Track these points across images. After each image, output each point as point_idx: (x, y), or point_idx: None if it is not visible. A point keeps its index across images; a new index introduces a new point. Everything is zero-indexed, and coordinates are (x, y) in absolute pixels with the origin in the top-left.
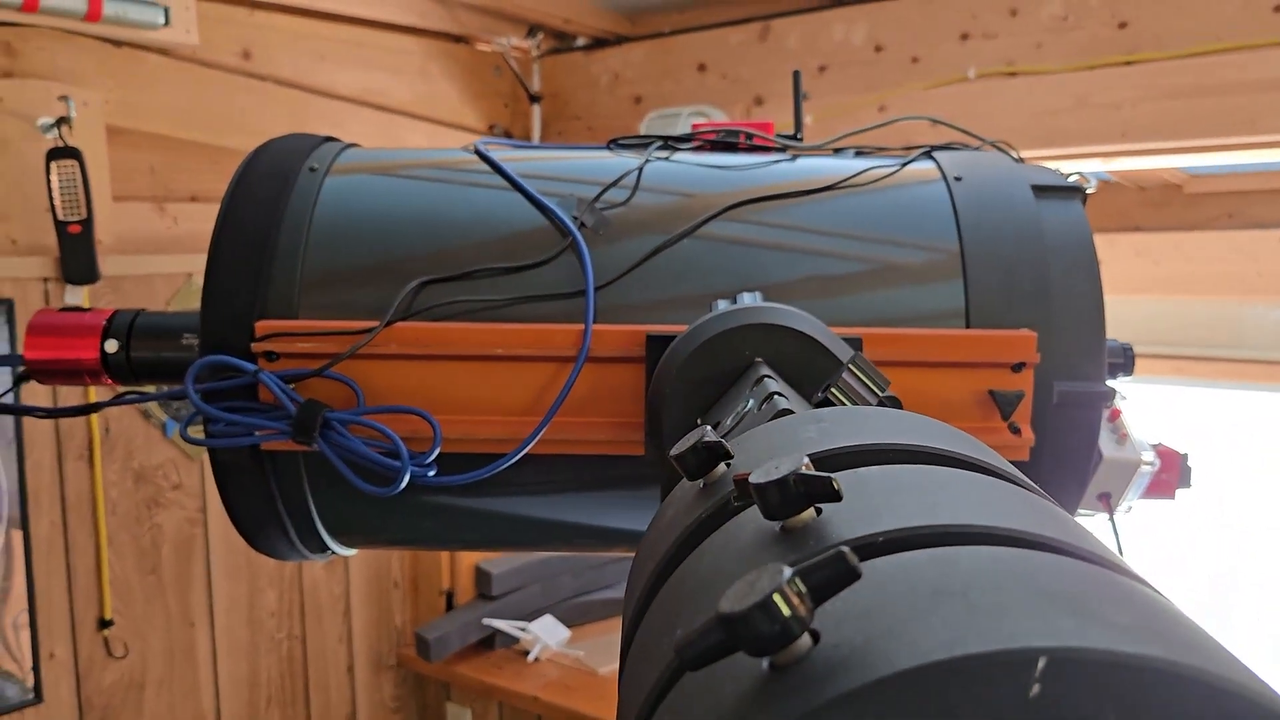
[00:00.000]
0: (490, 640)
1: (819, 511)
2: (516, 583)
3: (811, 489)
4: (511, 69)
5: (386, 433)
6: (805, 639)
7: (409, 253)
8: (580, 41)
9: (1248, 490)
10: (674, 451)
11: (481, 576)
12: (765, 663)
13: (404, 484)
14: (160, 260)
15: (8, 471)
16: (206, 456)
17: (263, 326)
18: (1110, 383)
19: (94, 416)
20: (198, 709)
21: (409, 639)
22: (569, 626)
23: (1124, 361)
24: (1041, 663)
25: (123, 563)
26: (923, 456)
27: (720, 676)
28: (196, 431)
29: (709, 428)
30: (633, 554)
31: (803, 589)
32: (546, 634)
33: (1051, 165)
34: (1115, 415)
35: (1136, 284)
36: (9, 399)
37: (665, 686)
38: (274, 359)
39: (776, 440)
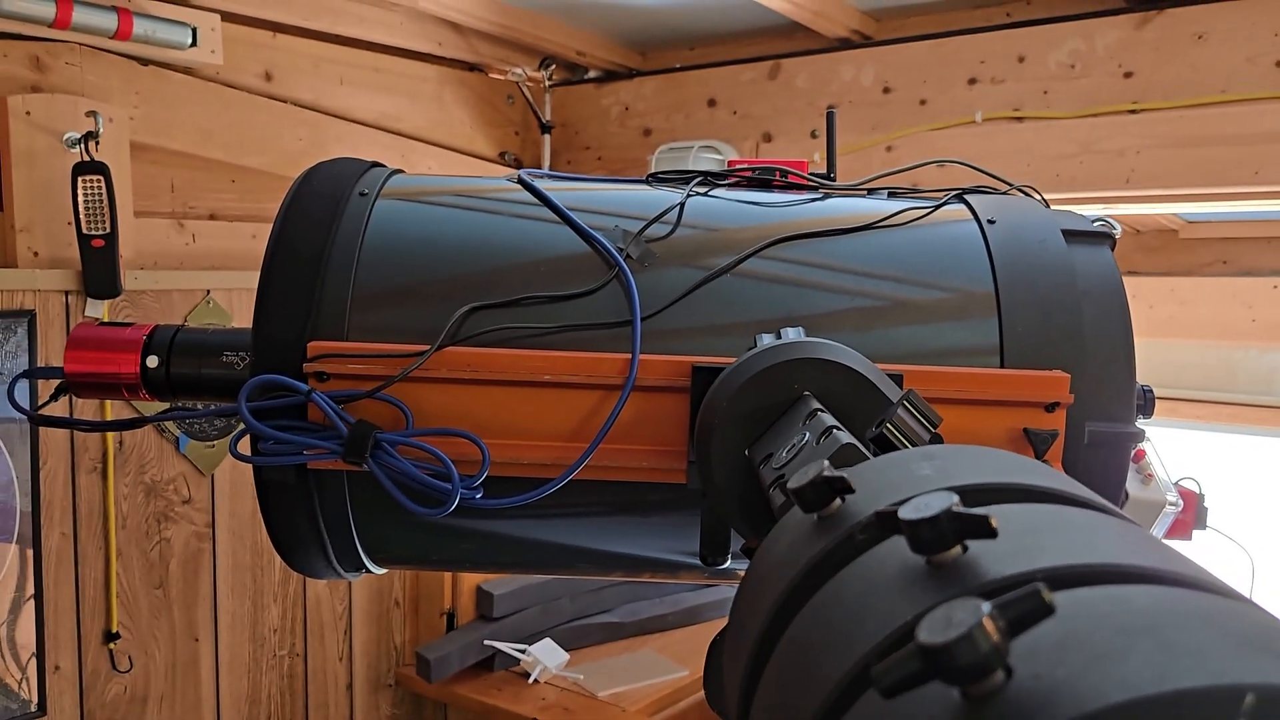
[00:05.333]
0: (490, 661)
1: (964, 549)
2: (517, 605)
3: (965, 526)
4: (524, 98)
5: (438, 455)
6: (1000, 673)
7: (457, 278)
8: (592, 73)
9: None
10: (792, 485)
11: (483, 597)
12: (956, 693)
13: (453, 506)
14: (179, 276)
15: (21, 483)
16: (217, 473)
17: (315, 347)
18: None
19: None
20: None
21: (408, 658)
22: (567, 650)
23: (1144, 404)
24: (1250, 699)
25: (130, 576)
26: (1045, 495)
27: (910, 704)
28: (244, 449)
29: (826, 461)
30: (666, 580)
31: (1001, 623)
32: (546, 657)
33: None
34: (1140, 456)
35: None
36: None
37: (837, 708)
38: (324, 379)
39: (893, 476)
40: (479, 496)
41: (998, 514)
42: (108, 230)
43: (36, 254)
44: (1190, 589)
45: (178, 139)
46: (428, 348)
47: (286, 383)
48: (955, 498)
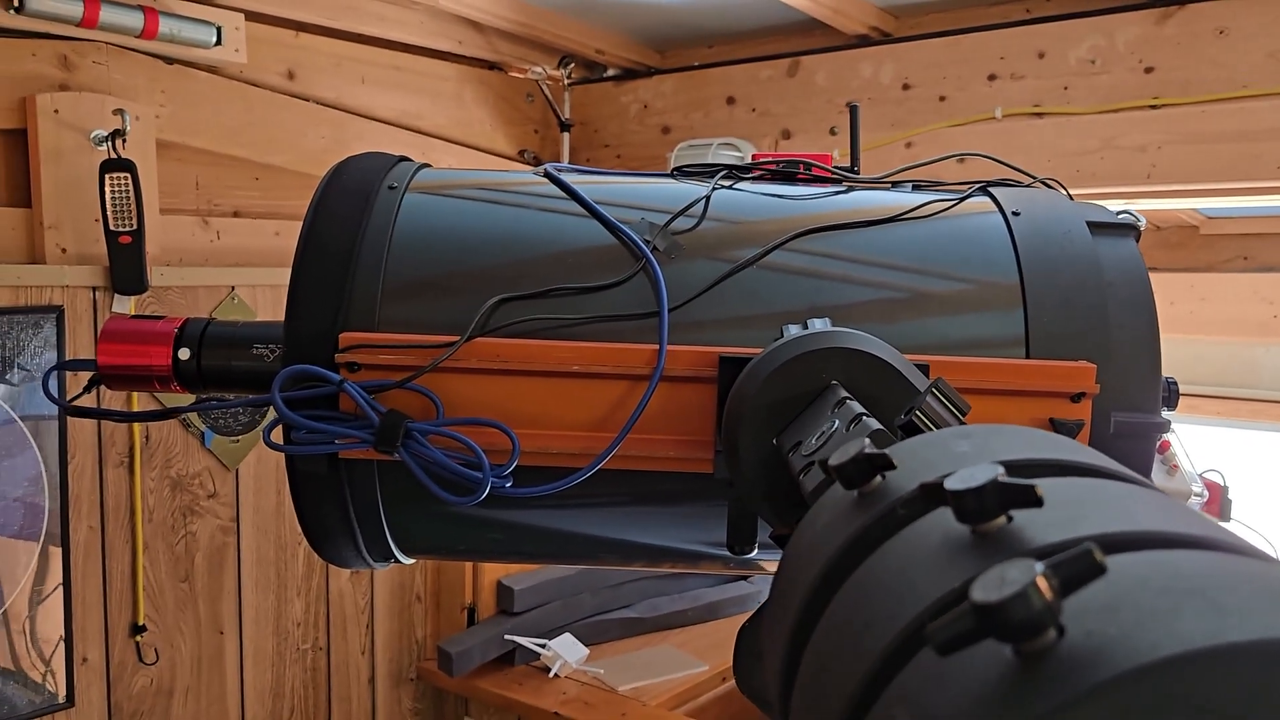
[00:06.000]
0: (511, 656)
1: (1009, 519)
2: (538, 600)
3: (1010, 496)
4: (544, 96)
5: (469, 444)
6: (1054, 632)
7: (485, 270)
8: (611, 72)
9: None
10: (834, 461)
11: (504, 592)
12: (1009, 651)
13: (484, 494)
14: (204, 272)
15: (49, 478)
16: (241, 467)
17: (346, 338)
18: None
19: (135, 425)
20: (224, 717)
21: (430, 652)
22: (587, 645)
23: (1168, 395)
24: None
25: (157, 569)
26: (1084, 470)
27: (963, 663)
28: (276, 439)
29: (867, 439)
30: (687, 571)
31: (1054, 581)
32: (566, 652)
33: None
34: (1165, 447)
35: None
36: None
37: (888, 669)
38: (356, 370)
39: (932, 454)
40: (508, 485)
41: (1044, 486)
42: (134, 227)
43: (65, 250)
44: (1232, 553)
45: (202, 137)
46: (457, 339)
47: (319, 373)
48: (1001, 469)
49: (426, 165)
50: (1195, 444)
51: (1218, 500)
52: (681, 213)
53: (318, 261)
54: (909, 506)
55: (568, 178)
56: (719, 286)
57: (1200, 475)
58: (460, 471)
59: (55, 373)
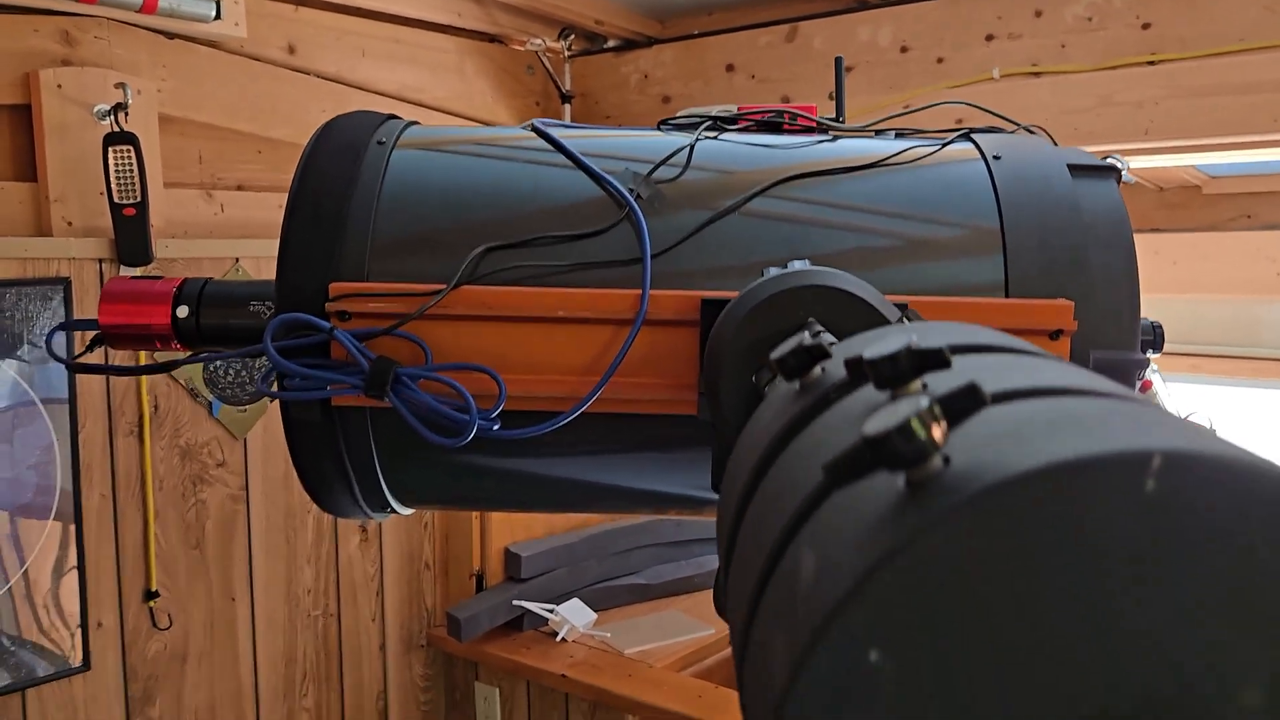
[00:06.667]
0: (519, 622)
1: (924, 386)
2: (545, 566)
3: (923, 360)
4: (544, 68)
5: (457, 387)
6: (939, 461)
7: (472, 222)
8: (611, 42)
9: None
10: (774, 355)
11: (511, 559)
12: (901, 482)
13: (471, 435)
14: (208, 244)
15: (62, 455)
16: (249, 437)
17: (337, 288)
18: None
19: (144, 393)
20: (237, 682)
21: (439, 620)
22: (594, 610)
23: (1153, 339)
24: (1157, 460)
25: (168, 537)
26: (1005, 349)
27: (861, 497)
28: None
29: (807, 333)
30: (690, 517)
31: (938, 413)
32: (574, 616)
33: None
34: (1147, 386)
35: (1154, 283)
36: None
37: (805, 512)
38: (346, 319)
39: (870, 339)
40: (496, 428)
41: (961, 359)
42: (139, 199)
43: (70, 224)
44: (1121, 400)
45: (204, 111)
46: (444, 286)
47: (310, 321)
48: (914, 336)
49: (415, 123)
50: (1199, 405)
51: None
52: (664, 162)
53: (308, 215)
54: (840, 389)
55: (555, 132)
56: (702, 234)
57: (1185, 419)
58: (448, 414)
59: (59, 333)
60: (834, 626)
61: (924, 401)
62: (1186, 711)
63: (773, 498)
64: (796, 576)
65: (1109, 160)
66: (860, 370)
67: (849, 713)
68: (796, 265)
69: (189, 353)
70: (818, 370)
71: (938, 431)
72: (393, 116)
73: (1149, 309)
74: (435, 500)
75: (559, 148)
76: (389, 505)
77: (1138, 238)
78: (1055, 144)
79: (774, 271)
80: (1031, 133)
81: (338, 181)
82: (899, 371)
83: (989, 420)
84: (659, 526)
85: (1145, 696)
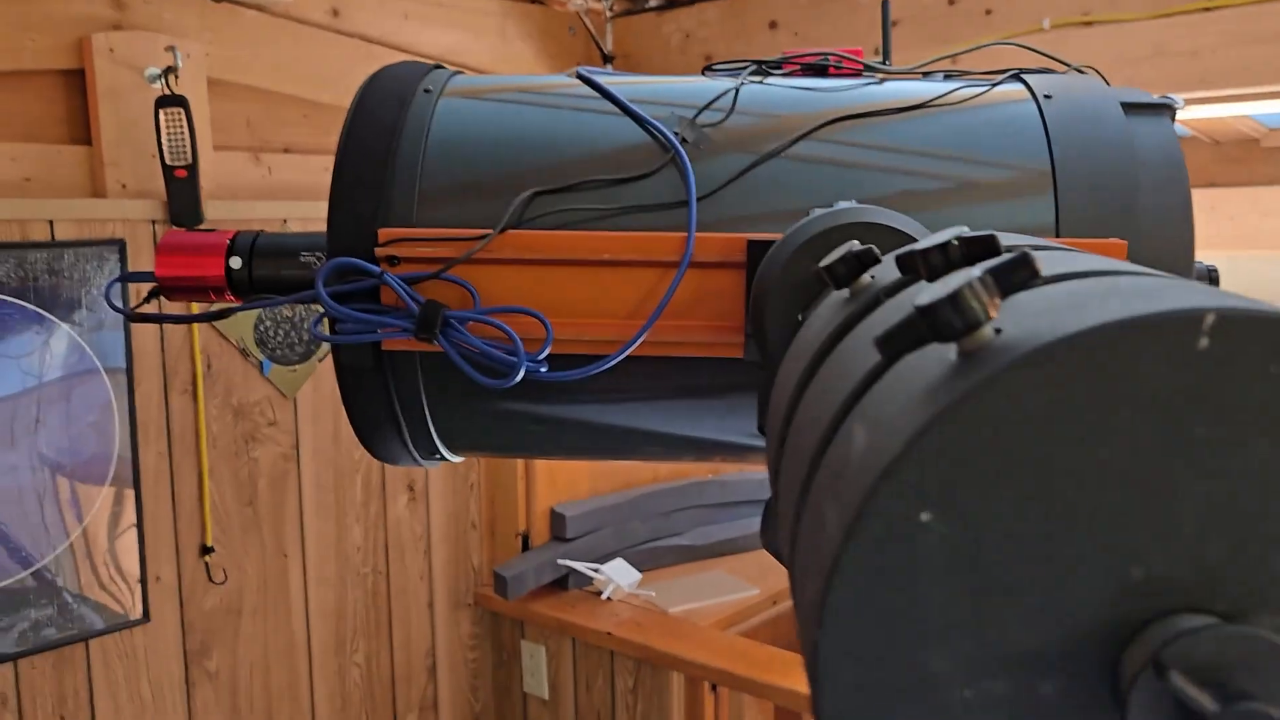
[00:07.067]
0: (564, 581)
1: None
2: (590, 526)
3: (973, 248)
4: (586, 28)
5: (505, 329)
6: (990, 330)
7: (519, 168)
8: (653, 2)
9: None
10: (824, 263)
11: (556, 519)
12: (953, 353)
13: (519, 377)
14: (258, 206)
15: (119, 404)
16: (299, 396)
17: (386, 233)
18: None
19: (197, 353)
20: (290, 636)
21: (486, 579)
22: (639, 571)
23: (1209, 283)
24: (1210, 319)
25: (222, 494)
26: (1057, 248)
27: (913, 371)
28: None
29: (855, 241)
30: (736, 463)
31: (990, 284)
32: (619, 576)
33: None
34: None
35: (1210, 240)
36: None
37: (859, 391)
38: (395, 264)
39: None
40: (543, 370)
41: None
42: (189, 161)
43: (125, 186)
44: (1176, 279)
45: (252, 75)
46: (490, 231)
47: (360, 265)
48: (965, 228)
49: (460, 72)
50: None
51: None
52: (709, 106)
53: (357, 163)
54: (891, 290)
55: (599, 79)
56: (747, 177)
57: None
58: (496, 355)
59: (117, 284)
60: (884, 487)
61: (975, 272)
62: (1237, 575)
63: (822, 391)
64: (849, 449)
65: (1165, 99)
66: (913, 265)
67: (901, 575)
68: (842, 204)
69: (241, 302)
70: (867, 277)
71: (990, 303)
72: (439, 66)
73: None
74: (482, 447)
75: (604, 93)
76: (438, 451)
77: (1195, 194)
78: (1107, 83)
79: (819, 211)
80: (1083, 73)
81: (385, 130)
82: (950, 260)
83: (1043, 295)
84: (704, 488)
85: (1195, 559)
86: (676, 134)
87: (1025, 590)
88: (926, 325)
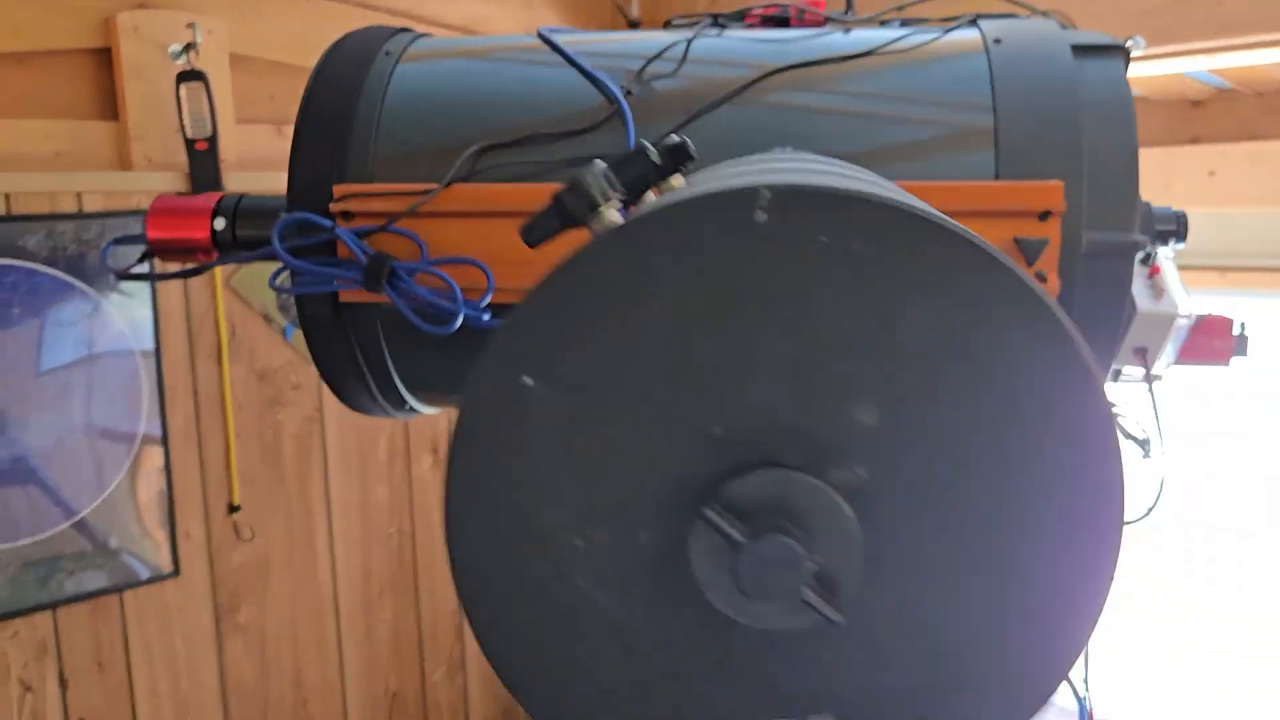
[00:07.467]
0: None
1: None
2: None
3: (675, 154)
4: None
5: (444, 278)
6: (615, 214)
7: (471, 124)
8: None
9: None
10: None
11: None
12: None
13: (458, 324)
14: (278, 177)
15: (147, 369)
16: None
17: (340, 189)
18: (1164, 248)
19: (221, 318)
20: (317, 592)
21: None
22: None
23: (1177, 229)
24: (765, 195)
25: (248, 456)
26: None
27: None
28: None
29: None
30: None
31: (610, 174)
32: None
33: (1155, 65)
34: (1155, 271)
35: (1252, 195)
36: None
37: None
38: (350, 218)
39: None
40: (486, 319)
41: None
42: (210, 133)
43: (151, 160)
44: (824, 167)
45: (274, 49)
46: (437, 185)
47: (314, 220)
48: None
49: (425, 35)
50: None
51: (1228, 335)
52: (655, 58)
53: (316, 123)
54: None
55: (561, 38)
56: (693, 128)
57: (1205, 315)
58: (437, 303)
59: (113, 245)
60: (493, 358)
61: (599, 165)
62: (807, 430)
63: None
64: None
65: (1126, 42)
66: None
67: (510, 435)
68: (779, 151)
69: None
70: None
71: (607, 189)
72: (404, 30)
73: (1247, 223)
74: (450, 398)
75: (556, 49)
76: (406, 402)
77: (1235, 147)
78: (1072, 27)
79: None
80: (1047, 16)
81: (344, 91)
82: (660, 167)
83: (690, 182)
84: None
85: (769, 416)
86: (623, 88)
87: (620, 447)
88: (556, 213)
